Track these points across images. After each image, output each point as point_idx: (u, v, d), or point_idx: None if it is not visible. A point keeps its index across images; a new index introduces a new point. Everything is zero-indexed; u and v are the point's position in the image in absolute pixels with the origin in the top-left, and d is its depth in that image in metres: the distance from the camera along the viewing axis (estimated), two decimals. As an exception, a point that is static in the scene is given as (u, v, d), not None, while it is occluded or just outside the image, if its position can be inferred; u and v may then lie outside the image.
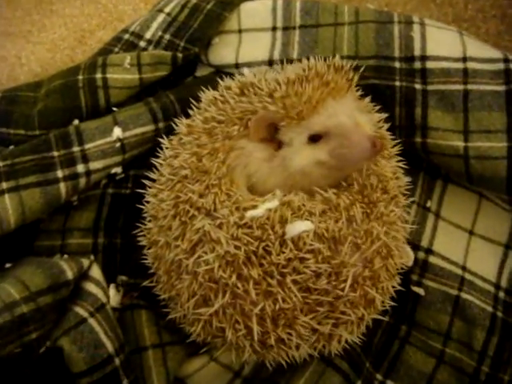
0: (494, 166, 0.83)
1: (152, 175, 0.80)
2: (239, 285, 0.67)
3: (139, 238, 0.83)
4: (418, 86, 0.87)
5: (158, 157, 0.82)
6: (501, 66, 0.85)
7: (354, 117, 0.72)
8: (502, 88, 0.84)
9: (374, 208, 0.72)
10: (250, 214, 0.69)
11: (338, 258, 0.68)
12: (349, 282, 0.68)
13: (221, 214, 0.69)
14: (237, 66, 0.95)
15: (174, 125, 0.81)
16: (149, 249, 0.80)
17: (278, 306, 0.68)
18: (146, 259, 0.83)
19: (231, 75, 0.84)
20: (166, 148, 0.79)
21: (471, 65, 0.86)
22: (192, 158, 0.73)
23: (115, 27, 1.20)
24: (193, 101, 0.81)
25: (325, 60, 0.75)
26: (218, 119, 0.73)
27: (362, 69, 0.82)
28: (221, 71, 0.99)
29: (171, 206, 0.73)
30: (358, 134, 0.69)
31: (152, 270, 0.81)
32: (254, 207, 0.69)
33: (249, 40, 0.96)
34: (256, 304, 0.68)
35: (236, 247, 0.67)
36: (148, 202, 0.80)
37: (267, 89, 0.71)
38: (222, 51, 0.98)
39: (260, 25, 0.96)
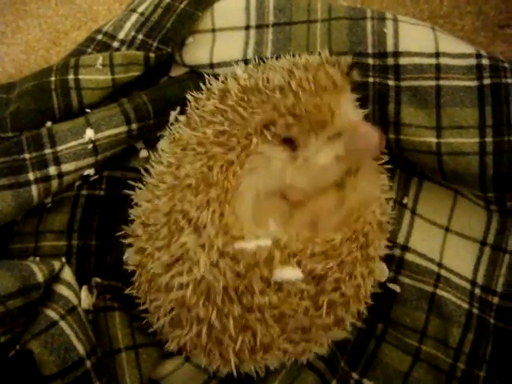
0: (466, 162, 0.82)
1: (149, 180, 0.79)
2: (217, 321, 0.67)
3: (122, 240, 0.82)
4: (391, 83, 0.87)
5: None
6: (473, 61, 0.85)
7: (356, 111, 0.78)
8: (473, 83, 0.84)
9: (364, 252, 0.74)
10: (238, 245, 0.68)
11: (322, 295, 0.69)
12: (325, 309, 0.69)
13: (207, 234, 0.68)
14: (211, 65, 0.95)
15: (176, 133, 0.80)
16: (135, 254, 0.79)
17: (257, 340, 0.68)
18: (123, 262, 0.83)
19: (208, 75, 0.85)
20: (167, 155, 0.78)
21: (444, 60, 0.85)
22: (202, 168, 0.71)
23: (90, 28, 1.19)
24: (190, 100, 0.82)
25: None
26: (232, 133, 0.72)
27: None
28: (195, 71, 0.98)
29: (164, 213, 0.72)
30: (365, 127, 0.74)
31: (134, 278, 0.80)
32: (245, 238, 0.69)
33: (222, 39, 0.96)
34: (234, 339, 0.68)
35: (215, 277, 0.67)
36: (137, 205, 0.80)
37: (276, 94, 0.72)
38: (196, 51, 0.97)
39: (233, 23, 0.95)
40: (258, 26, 0.94)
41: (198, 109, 0.78)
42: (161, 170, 0.77)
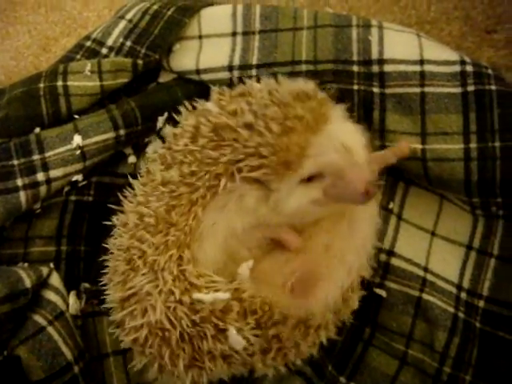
0: (451, 167, 0.83)
1: (120, 218, 0.79)
2: (168, 360, 0.69)
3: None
4: (376, 90, 0.88)
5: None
6: (457, 68, 0.85)
7: (343, 147, 0.67)
8: (458, 90, 0.85)
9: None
10: (196, 296, 0.68)
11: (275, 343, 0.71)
12: (273, 353, 0.71)
13: (164, 279, 0.69)
14: (197, 71, 0.95)
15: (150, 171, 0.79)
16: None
17: (204, 377, 0.70)
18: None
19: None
20: (137, 194, 0.78)
21: (428, 67, 0.86)
22: (163, 208, 0.71)
23: (79, 34, 1.19)
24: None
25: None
26: (199, 175, 0.71)
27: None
28: (183, 77, 0.98)
29: (124, 249, 0.73)
30: (353, 174, 0.66)
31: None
32: (204, 288, 0.69)
33: (209, 46, 0.96)
34: (183, 374, 0.70)
35: (171, 323, 0.68)
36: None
37: (244, 132, 0.68)
38: (183, 57, 0.97)
39: (220, 30, 0.96)
40: (245, 33, 0.94)
41: (170, 149, 0.76)
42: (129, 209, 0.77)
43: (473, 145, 0.83)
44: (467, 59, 0.86)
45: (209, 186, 0.70)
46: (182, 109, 0.81)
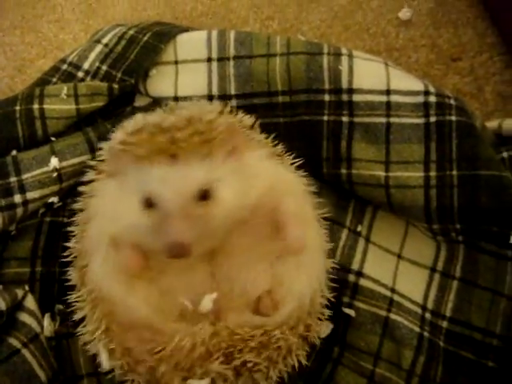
0: (412, 194, 0.87)
1: None
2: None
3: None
4: (344, 119, 0.91)
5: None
6: (421, 98, 0.89)
7: (191, 188, 0.63)
8: (421, 121, 0.89)
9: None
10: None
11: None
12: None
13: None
14: (176, 98, 0.97)
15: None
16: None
17: None
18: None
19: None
20: None
21: (394, 98, 0.90)
22: None
23: (55, 56, 1.20)
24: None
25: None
26: None
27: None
28: (158, 102, 1.00)
29: None
30: (172, 225, 0.61)
31: None
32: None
33: (185, 71, 0.98)
34: None
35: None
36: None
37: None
38: (160, 83, 0.99)
39: (195, 56, 0.98)
40: (220, 59, 0.97)
41: None
42: None
43: (432, 173, 0.87)
44: (431, 89, 0.90)
45: None
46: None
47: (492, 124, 0.96)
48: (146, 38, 1.00)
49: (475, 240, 0.88)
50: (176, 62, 0.99)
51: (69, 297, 0.81)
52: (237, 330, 0.70)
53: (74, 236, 0.81)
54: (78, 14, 1.28)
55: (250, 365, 0.71)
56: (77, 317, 0.78)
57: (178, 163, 0.62)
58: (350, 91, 0.91)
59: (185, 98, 0.97)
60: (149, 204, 0.64)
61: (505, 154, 0.90)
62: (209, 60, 0.97)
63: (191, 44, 0.99)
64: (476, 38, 1.15)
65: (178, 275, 0.72)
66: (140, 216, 0.65)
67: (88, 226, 0.75)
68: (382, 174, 0.89)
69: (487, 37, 1.15)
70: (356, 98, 0.91)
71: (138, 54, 0.99)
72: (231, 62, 0.96)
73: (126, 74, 0.99)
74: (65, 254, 0.82)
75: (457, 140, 0.87)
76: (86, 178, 0.81)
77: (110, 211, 0.70)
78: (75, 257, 0.80)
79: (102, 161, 0.79)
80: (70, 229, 0.82)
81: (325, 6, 1.23)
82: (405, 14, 1.18)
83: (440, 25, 1.17)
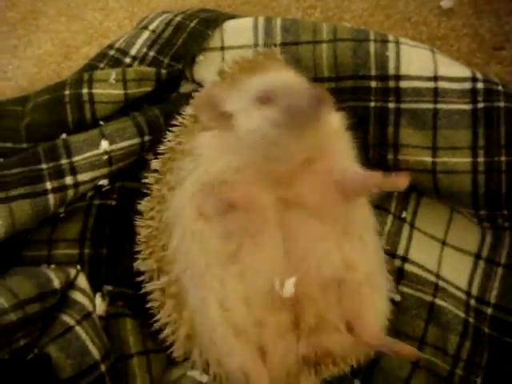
0: (459, 180, 0.88)
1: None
2: None
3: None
4: (391, 105, 0.92)
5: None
6: (468, 85, 0.89)
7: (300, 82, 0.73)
8: (468, 107, 0.89)
9: None
10: None
11: None
12: None
13: None
14: (220, 82, 0.98)
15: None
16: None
17: None
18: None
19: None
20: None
21: (441, 84, 0.90)
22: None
23: (101, 43, 1.21)
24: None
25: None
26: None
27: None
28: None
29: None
30: (304, 88, 0.69)
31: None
32: None
33: (231, 57, 0.99)
34: None
35: None
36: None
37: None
38: (207, 69, 1.00)
39: (242, 42, 0.99)
40: (266, 46, 0.97)
41: None
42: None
43: (480, 159, 0.88)
44: (479, 76, 0.91)
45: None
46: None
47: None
48: (192, 25, 1.01)
49: (522, 226, 0.88)
50: (222, 48, 1.00)
51: (142, 285, 0.83)
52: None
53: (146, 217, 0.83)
54: (123, 2, 1.30)
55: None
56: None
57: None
58: (397, 78, 0.92)
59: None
60: (265, 99, 0.68)
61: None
62: (255, 46, 0.98)
63: (238, 30, 1.00)
64: (518, 26, 1.14)
65: (255, 254, 0.71)
66: (259, 114, 0.68)
67: (170, 193, 0.77)
68: (429, 159, 0.89)
69: (529, 26, 1.14)
70: (403, 84, 0.91)
71: (186, 40, 1.00)
72: (278, 49, 0.96)
73: (173, 59, 1.00)
74: (137, 236, 0.84)
75: (505, 126, 0.87)
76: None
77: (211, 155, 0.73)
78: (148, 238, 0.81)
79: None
80: (142, 207, 0.84)
81: (367, -6, 1.24)
82: (447, 2, 1.18)
83: (482, 14, 1.17)
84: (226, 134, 0.72)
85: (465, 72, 0.91)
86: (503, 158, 0.87)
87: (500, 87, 0.90)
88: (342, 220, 0.73)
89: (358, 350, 0.75)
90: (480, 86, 0.90)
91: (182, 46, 1.00)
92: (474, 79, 0.90)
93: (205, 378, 0.78)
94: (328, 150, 0.72)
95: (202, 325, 0.71)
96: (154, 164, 0.85)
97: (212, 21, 1.01)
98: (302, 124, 0.65)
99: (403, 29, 1.18)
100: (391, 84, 0.92)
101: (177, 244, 0.74)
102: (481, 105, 0.89)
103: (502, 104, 0.88)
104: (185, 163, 0.75)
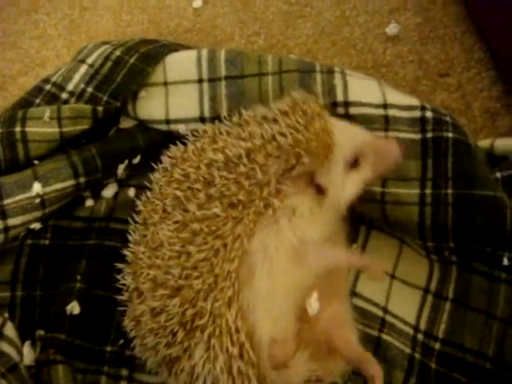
0: (407, 210, 0.86)
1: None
2: None
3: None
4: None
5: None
6: (418, 113, 0.89)
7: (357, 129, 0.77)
8: (417, 136, 0.88)
9: None
10: None
11: None
12: None
13: None
14: (167, 121, 0.96)
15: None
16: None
17: None
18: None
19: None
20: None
21: (391, 112, 0.89)
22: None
23: (37, 73, 1.18)
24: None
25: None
26: (243, 202, 0.70)
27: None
28: (143, 124, 0.99)
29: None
30: (384, 143, 0.76)
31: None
32: None
33: (176, 93, 0.97)
34: None
35: None
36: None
37: (274, 144, 0.69)
38: (150, 105, 0.98)
39: (186, 77, 0.96)
40: (211, 80, 0.95)
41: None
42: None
43: (428, 191, 0.87)
44: (427, 105, 0.90)
45: (256, 212, 0.70)
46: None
47: (483, 143, 0.96)
48: (132, 60, 0.99)
49: (468, 260, 0.88)
50: (165, 84, 0.98)
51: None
52: None
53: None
54: (61, 30, 1.26)
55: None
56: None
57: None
58: (347, 104, 0.90)
59: (176, 121, 0.96)
60: (354, 163, 0.74)
61: (498, 175, 0.90)
62: (200, 81, 0.96)
63: (181, 65, 0.98)
64: (463, 53, 1.15)
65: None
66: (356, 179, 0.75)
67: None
68: (379, 189, 0.88)
69: (475, 52, 1.14)
70: (352, 110, 0.90)
71: (125, 76, 0.97)
72: (223, 83, 0.95)
73: (112, 97, 0.97)
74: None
75: (453, 158, 0.86)
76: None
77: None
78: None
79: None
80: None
81: (311, 21, 1.23)
82: (392, 29, 1.18)
83: (427, 40, 1.16)
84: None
85: (413, 101, 0.90)
86: (450, 191, 0.86)
87: (448, 118, 0.89)
88: None
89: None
90: (429, 114, 0.89)
91: (121, 83, 0.97)
92: (423, 108, 0.89)
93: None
94: None
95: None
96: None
97: (153, 56, 0.98)
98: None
99: (348, 56, 1.17)
100: (340, 111, 0.90)
101: None
102: (430, 134, 0.88)
103: (450, 135, 0.87)
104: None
